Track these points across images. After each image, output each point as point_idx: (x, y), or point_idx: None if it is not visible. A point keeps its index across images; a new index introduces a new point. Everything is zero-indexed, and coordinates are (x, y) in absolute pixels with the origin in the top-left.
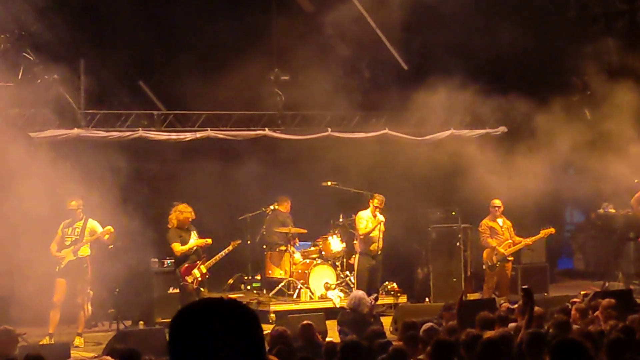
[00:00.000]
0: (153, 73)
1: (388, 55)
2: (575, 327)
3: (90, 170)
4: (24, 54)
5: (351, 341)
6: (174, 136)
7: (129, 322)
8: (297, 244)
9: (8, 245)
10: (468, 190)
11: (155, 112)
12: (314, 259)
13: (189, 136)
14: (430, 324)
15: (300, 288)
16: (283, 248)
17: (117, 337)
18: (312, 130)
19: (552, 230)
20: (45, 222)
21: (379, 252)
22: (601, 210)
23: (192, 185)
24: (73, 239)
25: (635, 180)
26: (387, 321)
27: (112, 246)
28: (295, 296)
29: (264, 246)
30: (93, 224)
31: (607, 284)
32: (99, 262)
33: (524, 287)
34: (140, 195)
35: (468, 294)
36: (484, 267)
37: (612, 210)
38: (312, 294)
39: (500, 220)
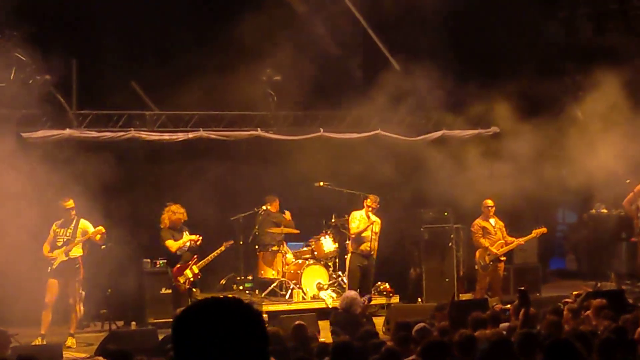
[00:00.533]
0: (145, 73)
1: (380, 55)
2: (567, 327)
3: (82, 171)
4: (16, 54)
5: (343, 342)
6: (166, 136)
7: (121, 323)
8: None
9: None
10: (460, 190)
11: (147, 113)
12: (307, 259)
13: (181, 137)
14: (422, 324)
15: (293, 288)
16: (275, 248)
17: (109, 338)
18: (305, 130)
19: (544, 230)
20: (36, 222)
21: (372, 252)
22: (593, 211)
23: (185, 186)
24: (65, 239)
25: (627, 181)
26: (379, 321)
27: (104, 246)
28: (287, 296)
29: (257, 246)
30: (85, 224)
31: (599, 284)
32: (91, 262)
33: (520, 288)
34: (132, 195)
35: (460, 294)
36: (476, 267)
37: (604, 211)
38: (305, 294)
39: (492, 220)
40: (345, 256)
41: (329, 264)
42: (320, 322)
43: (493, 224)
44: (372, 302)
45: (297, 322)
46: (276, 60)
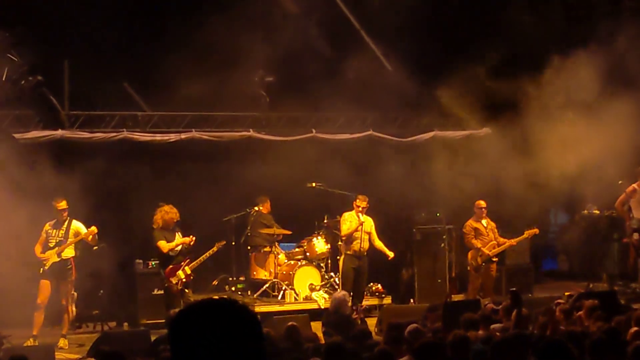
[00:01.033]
0: (138, 74)
1: (372, 56)
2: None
3: (75, 172)
4: (9, 55)
5: (334, 342)
6: (158, 137)
7: (113, 324)
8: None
9: None
10: (452, 191)
11: (139, 113)
12: (299, 260)
13: (173, 137)
14: (415, 325)
15: (285, 289)
16: (268, 249)
17: (101, 339)
18: (297, 131)
19: (536, 231)
20: (27, 223)
21: (364, 253)
22: (585, 212)
23: (177, 187)
24: (58, 240)
25: (620, 182)
26: (371, 322)
27: (96, 247)
28: (280, 297)
29: (249, 247)
30: (77, 225)
31: (591, 285)
32: (84, 263)
33: (511, 290)
34: (124, 196)
35: (453, 295)
36: (468, 268)
37: (596, 212)
38: (297, 295)
39: (484, 221)
40: (338, 257)
41: (321, 264)
42: (312, 323)
43: (485, 225)
44: (364, 303)
45: (289, 324)
46: (269, 61)
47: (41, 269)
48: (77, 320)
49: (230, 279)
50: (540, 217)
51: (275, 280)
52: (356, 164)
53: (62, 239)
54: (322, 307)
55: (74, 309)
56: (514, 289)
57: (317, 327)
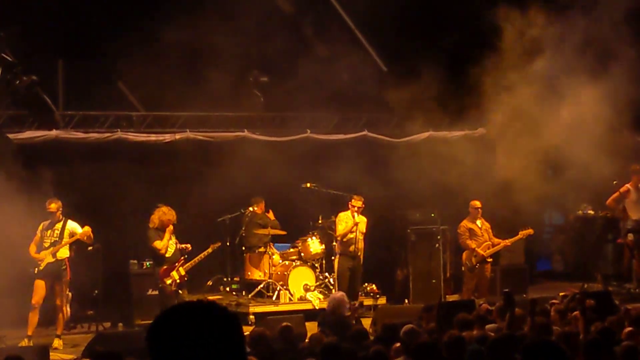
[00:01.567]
0: (132, 74)
1: (367, 57)
2: (555, 328)
3: (68, 172)
4: (3, 55)
5: (331, 343)
6: (153, 137)
7: (108, 324)
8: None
9: None
10: (447, 191)
11: (134, 114)
12: (293, 260)
13: (168, 137)
14: (410, 325)
15: (280, 290)
16: (262, 250)
17: (96, 339)
18: (291, 131)
19: (530, 231)
20: (21, 223)
21: (359, 253)
22: (580, 212)
23: (171, 187)
24: (52, 240)
25: (614, 182)
26: (366, 322)
27: (91, 247)
28: (274, 298)
29: (243, 248)
30: (72, 226)
31: (585, 286)
32: (78, 263)
33: (504, 290)
34: (119, 196)
35: (447, 296)
36: (463, 268)
37: (591, 212)
38: (292, 295)
39: (479, 222)
40: (333, 258)
41: (316, 265)
42: (307, 324)
43: (479, 226)
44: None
45: (283, 324)
46: (263, 61)
47: (36, 269)
48: (71, 321)
49: (225, 279)
50: (534, 217)
51: (270, 280)
52: (351, 164)
53: (56, 239)
54: (317, 308)
55: (68, 309)
56: (507, 290)
57: (311, 327)
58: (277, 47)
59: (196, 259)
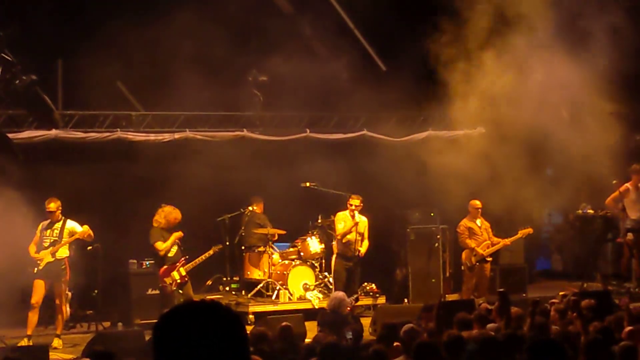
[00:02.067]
0: (131, 74)
1: (366, 56)
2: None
3: (68, 172)
4: (2, 54)
5: (330, 342)
6: (152, 137)
7: (107, 324)
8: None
9: None
10: (446, 191)
11: (133, 113)
12: (293, 260)
13: (167, 137)
14: (410, 325)
15: (279, 289)
16: (262, 249)
17: (95, 339)
18: (291, 131)
19: (530, 230)
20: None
21: (357, 253)
22: (579, 211)
23: (171, 186)
24: (52, 240)
25: (614, 182)
26: (366, 322)
27: (90, 247)
28: (274, 297)
29: (243, 247)
30: (72, 225)
31: (585, 285)
32: (77, 263)
33: (499, 290)
34: (118, 196)
35: (447, 295)
36: (462, 267)
37: (591, 211)
38: (291, 295)
39: (478, 221)
40: (331, 257)
41: (315, 264)
42: (306, 323)
43: (479, 225)
44: (359, 303)
45: (283, 324)
46: (262, 61)
47: (35, 268)
48: (71, 320)
49: (225, 278)
50: (534, 216)
51: (270, 280)
52: (350, 163)
53: (56, 238)
54: (317, 307)
55: (68, 309)
56: (502, 289)
57: (310, 326)
58: (277, 46)
59: (197, 260)
